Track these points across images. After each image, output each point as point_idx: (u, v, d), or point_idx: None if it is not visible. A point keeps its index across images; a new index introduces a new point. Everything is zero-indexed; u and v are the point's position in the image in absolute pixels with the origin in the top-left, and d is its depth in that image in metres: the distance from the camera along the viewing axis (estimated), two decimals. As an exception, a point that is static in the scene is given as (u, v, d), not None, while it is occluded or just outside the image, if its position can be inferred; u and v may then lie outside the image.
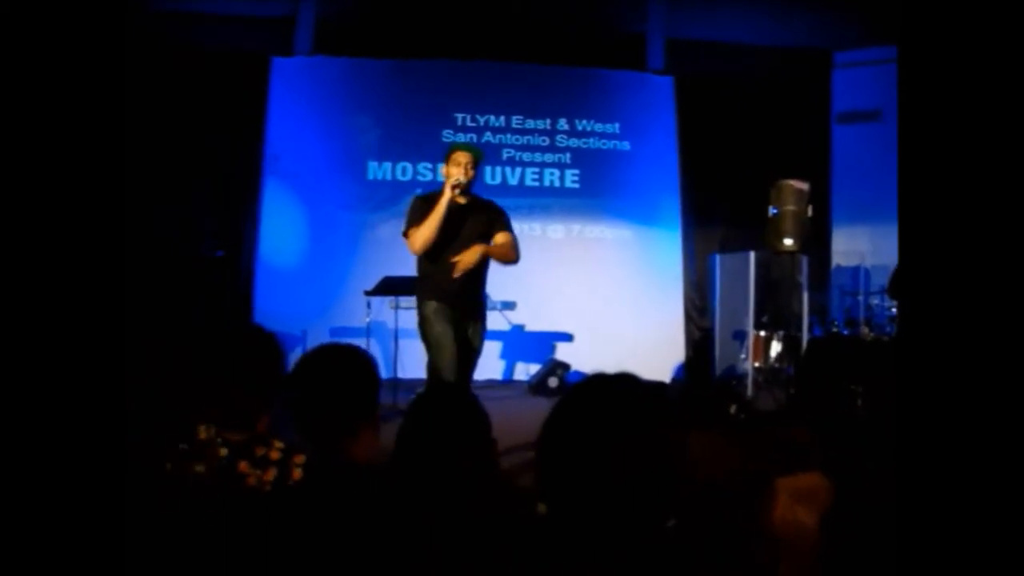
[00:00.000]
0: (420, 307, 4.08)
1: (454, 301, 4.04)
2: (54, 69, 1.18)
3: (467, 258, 3.96)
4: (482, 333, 4.22)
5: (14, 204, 1.14)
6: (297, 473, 1.70)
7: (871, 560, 1.16)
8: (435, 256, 4.03)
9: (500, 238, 4.15)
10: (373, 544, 1.31)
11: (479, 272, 4.13)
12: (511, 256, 4.19)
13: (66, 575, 1.09)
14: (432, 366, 4.00)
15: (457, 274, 3.94)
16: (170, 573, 1.39)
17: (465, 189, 4.08)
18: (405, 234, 4.10)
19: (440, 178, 8.00)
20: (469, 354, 4.14)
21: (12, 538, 1.07)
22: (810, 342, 6.70)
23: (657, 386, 1.13)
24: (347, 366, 1.79)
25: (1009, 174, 1.04)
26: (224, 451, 1.71)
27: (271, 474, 1.69)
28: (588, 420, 1.09)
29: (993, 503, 0.97)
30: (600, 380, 1.15)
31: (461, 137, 8.19)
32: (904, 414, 1.04)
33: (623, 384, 1.15)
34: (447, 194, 3.99)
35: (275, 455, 1.72)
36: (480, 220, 4.14)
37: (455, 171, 4.04)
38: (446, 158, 4.13)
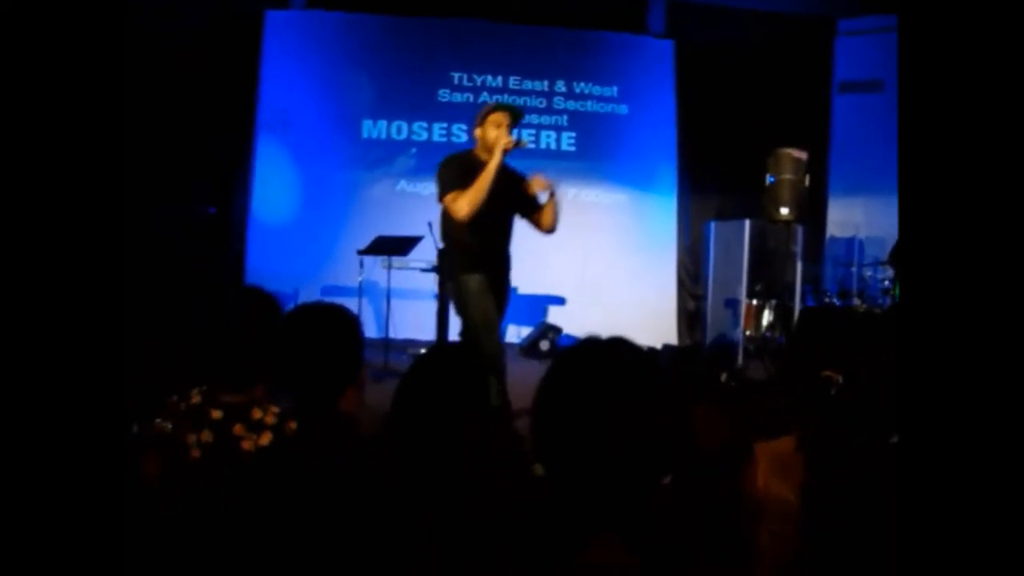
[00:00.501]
0: (461, 280, 3.86)
1: (494, 270, 3.92)
2: (52, 38, 1.15)
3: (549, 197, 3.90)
4: (508, 294, 4.10)
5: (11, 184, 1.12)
6: (267, 436, 1.69)
7: (852, 533, 1.17)
8: (475, 224, 3.81)
9: (552, 203, 4.01)
10: (360, 504, 1.30)
11: (510, 233, 4.03)
12: (555, 223, 4.10)
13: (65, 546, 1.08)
14: (474, 341, 3.80)
15: (542, 189, 3.88)
16: (167, 536, 1.39)
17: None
18: (443, 198, 3.85)
19: (437, 138, 7.97)
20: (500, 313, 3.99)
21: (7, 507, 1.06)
22: (802, 312, 6.71)
23: (648, 350, 1.15)
24: (330, 325, 1.77)
25: (1010, 147, 1.02)
26: (218, 413, 1.69)
27: (266, 438, 1.68)
28: (582, 383, 1.10)
29: (994, 483, 0.96)
30: (593, 344, 1.17)
31: (457, 97, 8.11)
32: (903, 388, 1.03)
33: (616, 348, 1.17)
34: (498, 156, 3.79)
35: (270, 420, 1.71)
36: (514, 185, 3.97)
37: (495, 132, 3.85)
38: (482, 119, 3.93)
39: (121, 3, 1.19)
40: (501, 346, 3.91)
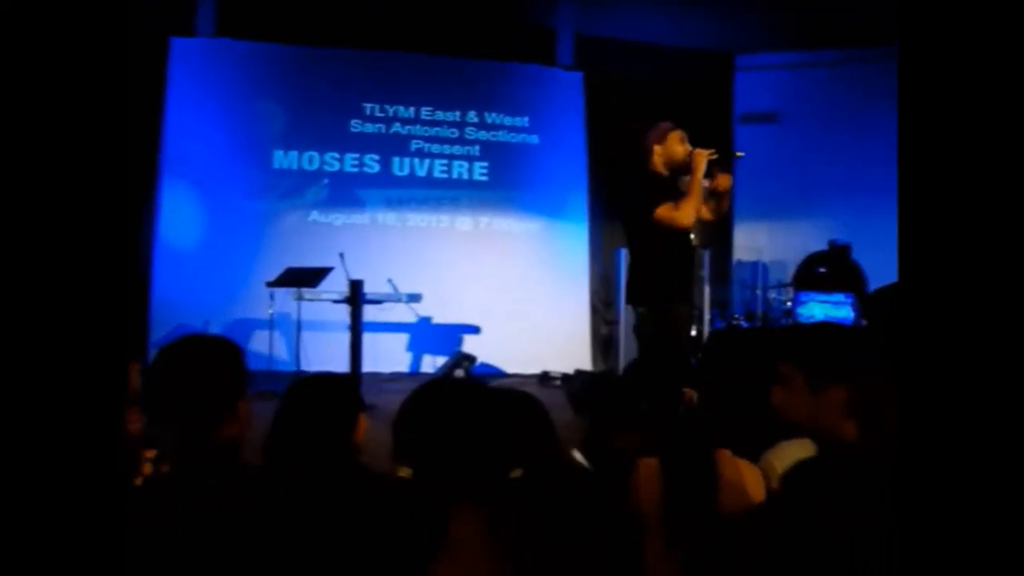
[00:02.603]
0: (670, 309, 3.79)
1: (692, 300, 3.94)
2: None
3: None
4: None
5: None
6: (147, 468, 1.66)
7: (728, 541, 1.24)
8: (682, 247, 3.85)
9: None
10: (244, 528, 1.33)
11: None
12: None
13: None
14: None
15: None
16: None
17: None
18: (657, 213, 3.77)
19: (349, 168, 7.92)
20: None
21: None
22: (710, 334, 6.90)
23: (483, 384, 1.57)
24: (208, 356, 1.73)
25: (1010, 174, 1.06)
26: None
27: None
28: (437, 404, 1.40)
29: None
30: (442, 379, 1.47)
31: (369, 127, 8.11)
32: (905, 397, 1.06)
33: (458, 381, 1.49)
34: (703, 164, 3.83)
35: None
36: None
37: (682, 147, 3.92)
38: (661, 136, 3.96)
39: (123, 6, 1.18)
40: None
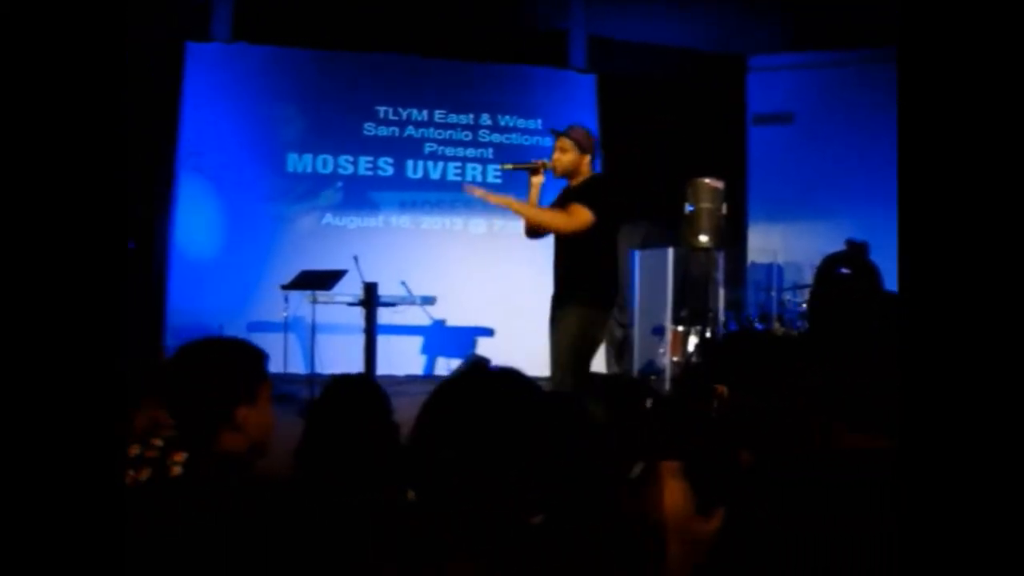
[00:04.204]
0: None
1: (555, 294, 3.97)
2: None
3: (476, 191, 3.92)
4: (568, 318, 3.76)
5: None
6: (176, 470, 1.62)
7: (755, 546, 1.20)
8: (555, 247, 3.95)
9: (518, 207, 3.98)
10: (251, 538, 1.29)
11: (565, 253, 3.95)
12: (547, 220, 3.94)
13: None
14: None
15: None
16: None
17: (567, 172, 4.01)
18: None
19: (363, 172, 7.95)
20: (557, 343, 3.72)
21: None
22: (724, 336, 6.87)
23: (534, 384, 1.12)
24: (218, 357, 1.70)
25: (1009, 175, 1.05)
26: None
27: (145, 473, 1.61)
28: (461, 413, 1.06)
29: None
30: (478, 373, 1.13)
31: (383, 131, 8.13)
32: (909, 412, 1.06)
33: (503, 379, 1.12)
34: (534, 181, 4.04)
35: (151, 453, 1.64)
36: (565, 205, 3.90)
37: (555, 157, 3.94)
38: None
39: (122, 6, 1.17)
40: (559, 381, 3.62)
